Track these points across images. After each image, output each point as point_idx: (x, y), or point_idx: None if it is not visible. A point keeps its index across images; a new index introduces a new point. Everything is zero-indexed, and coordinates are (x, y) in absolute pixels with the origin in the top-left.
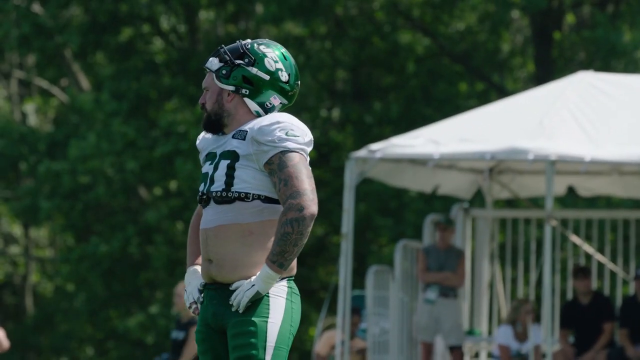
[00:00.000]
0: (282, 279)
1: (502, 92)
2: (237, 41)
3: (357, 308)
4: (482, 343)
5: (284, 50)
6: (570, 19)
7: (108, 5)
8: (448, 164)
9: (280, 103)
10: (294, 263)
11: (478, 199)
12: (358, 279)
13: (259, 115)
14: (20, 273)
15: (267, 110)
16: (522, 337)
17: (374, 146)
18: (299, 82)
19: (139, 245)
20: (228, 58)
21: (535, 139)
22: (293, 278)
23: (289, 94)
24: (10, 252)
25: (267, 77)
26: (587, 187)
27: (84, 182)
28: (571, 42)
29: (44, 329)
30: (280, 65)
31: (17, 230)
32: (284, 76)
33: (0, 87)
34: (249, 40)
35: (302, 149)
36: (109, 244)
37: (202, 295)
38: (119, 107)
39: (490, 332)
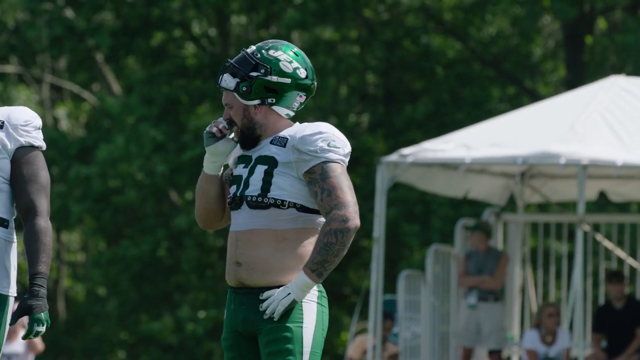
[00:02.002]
0: None
1: (534, 97)
2: (242, 51)
3: (390, 312)
4: (514, 347)
5: (292, 47)
6: (602, 24)
7: (140, 10)
8: (479, 168)
9: (305, 98)
10: None
11: (509, 204)
12: (389, 283)
13: (289, 117)
14: (52, 277)
15: (295, 109)
16: (547, 340)
17: (405, 150)
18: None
19: (168, 249)
20: (243, 73)
21: (566, 143)
22: (321, 281)
23: (311, 87)
24: None
25: (288, 81)
26: (619, 192)
27: (114, 185)
28: (603, 46)
29: (75, 333)
30: (295, 64)
31: None
32: (302, 73)
33: (32, 92)
34: (253, 48)
35: (343, 160)
36: (138, 248)
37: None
38: (148, 112)
39: (521, 337)
